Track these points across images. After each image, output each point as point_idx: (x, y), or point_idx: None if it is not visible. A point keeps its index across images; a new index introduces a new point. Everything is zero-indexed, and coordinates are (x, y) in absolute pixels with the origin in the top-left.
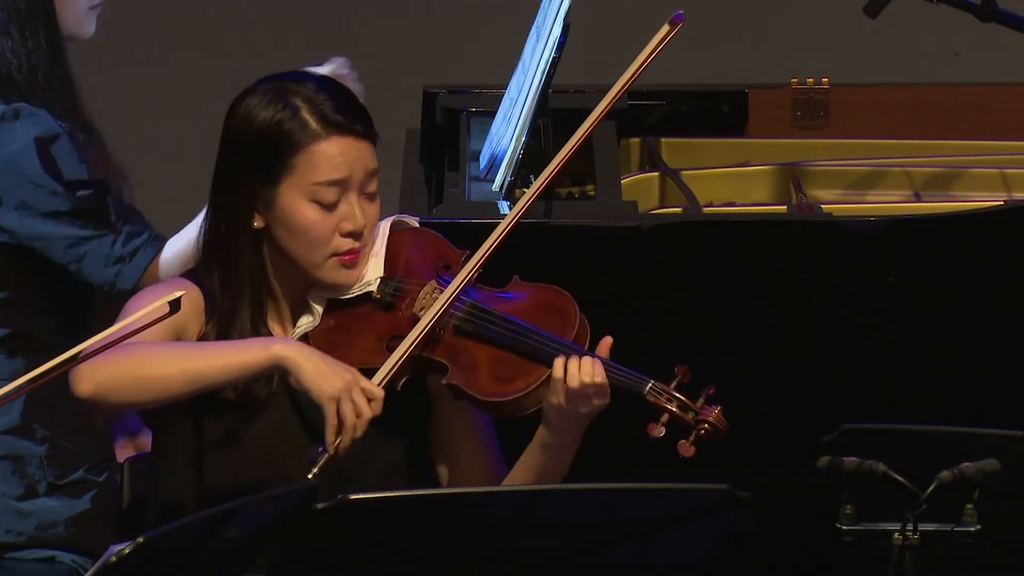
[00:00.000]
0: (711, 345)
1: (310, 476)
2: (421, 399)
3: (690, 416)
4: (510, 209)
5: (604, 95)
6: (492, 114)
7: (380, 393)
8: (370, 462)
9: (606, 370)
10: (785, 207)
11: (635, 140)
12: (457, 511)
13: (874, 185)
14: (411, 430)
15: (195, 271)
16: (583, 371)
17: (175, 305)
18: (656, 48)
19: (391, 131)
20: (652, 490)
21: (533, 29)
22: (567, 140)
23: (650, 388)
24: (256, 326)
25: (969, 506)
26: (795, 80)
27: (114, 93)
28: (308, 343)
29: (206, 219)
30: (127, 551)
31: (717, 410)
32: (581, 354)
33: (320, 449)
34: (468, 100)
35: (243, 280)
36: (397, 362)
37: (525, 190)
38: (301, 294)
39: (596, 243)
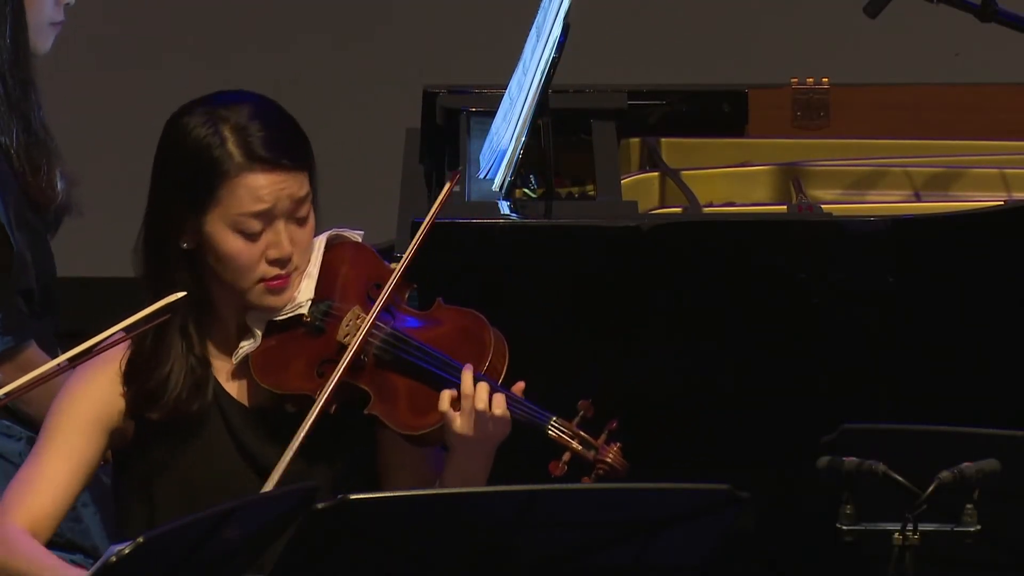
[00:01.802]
0: (711, 345)
1: None
2: (364, 419)
3: (591, 454)
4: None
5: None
6: (492, 114)
7: None
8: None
9: (509, 405)
10: (785, 207)
11: (635, 140)
12: (457, 511)
13: (874, 185)
14: (357, 451)
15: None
16: (477, 397)
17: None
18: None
19: (391, 131)
20: (652, 490)
21: (533, 29)
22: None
23: (551, 425)
24: (190, 345)
25: (969, 506)
26: (795, 80)
27: (113, 92)
28: (247, 365)
29: (140, 232)
30: (127, 551)
31: (616, 448)
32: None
33: None
34: (468, 100)
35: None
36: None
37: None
38: (243, 316)
39: (596, 243)
